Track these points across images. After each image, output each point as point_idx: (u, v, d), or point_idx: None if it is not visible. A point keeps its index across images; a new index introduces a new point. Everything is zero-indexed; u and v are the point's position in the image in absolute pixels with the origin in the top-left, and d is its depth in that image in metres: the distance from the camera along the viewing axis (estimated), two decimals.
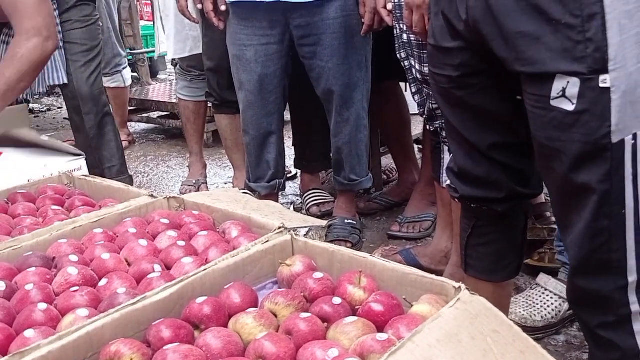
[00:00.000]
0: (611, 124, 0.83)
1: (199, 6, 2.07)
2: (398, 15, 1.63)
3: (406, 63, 1.65)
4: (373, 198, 2.49)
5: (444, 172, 1.56)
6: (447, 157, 1.56)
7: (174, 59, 3.95)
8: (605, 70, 0.82)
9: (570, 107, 0.86)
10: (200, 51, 2.51)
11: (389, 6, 1.68)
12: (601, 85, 0.83)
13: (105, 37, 3.49)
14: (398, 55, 1.67)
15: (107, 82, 3.64)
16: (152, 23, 6.41)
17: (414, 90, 1.67)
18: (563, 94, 0.86)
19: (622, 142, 0.84)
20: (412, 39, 1.57)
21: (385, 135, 2.54)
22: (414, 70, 1.63)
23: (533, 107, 0.92)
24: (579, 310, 0.98)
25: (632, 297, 0.89)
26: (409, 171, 2.47)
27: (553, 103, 0.87)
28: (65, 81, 2.02)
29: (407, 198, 2.33)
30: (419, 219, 2.21)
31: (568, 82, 0.85)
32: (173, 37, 2.62)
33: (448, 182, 1.20)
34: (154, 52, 6.11)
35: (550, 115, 0.88)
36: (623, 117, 0.83)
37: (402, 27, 1.62)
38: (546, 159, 0.94)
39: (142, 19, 6.32)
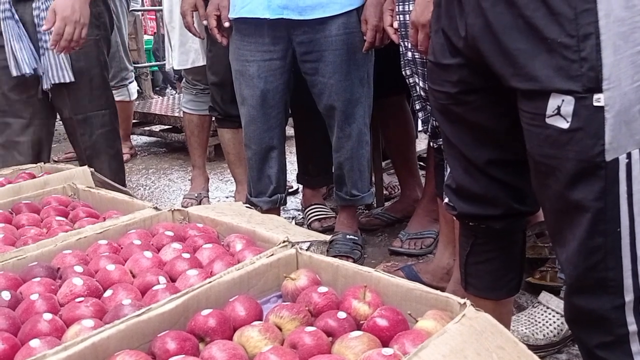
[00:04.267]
0: (605, 142, 0.84)
1: (205, 22, 2.09)
2: (403, 33, 1.65)
3: (411, 80, 1.67)
4: (375, 214, 2.49)
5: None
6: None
7: (176, 74, 3.97)
8: (599, 90, 0.83)
9: (564, 125, 0.87)
10: (202, 63, 2.53)
11: (395, 24, 1.70)
12: (595, 104, 0.84)
13: (113, 50, 3.53)
14: (403, 73, 1.68)
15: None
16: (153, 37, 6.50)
17: (417, 107, 1.68)
18: (558, 112, 0.87)
19: (616, 160, 0.85)
20: (416, 56, 1.59)
21: (389, 150, 2.54)
22: (417, 88, 1.64)
23: (529, 124, 0.93)
24: (577, 329, 0.97)
25: (630, 317, 0.89)
26: (412, 188, 2.47)
27: (548, 121, 0.88)
28: (73, 79, 1.96)
29: (409, 214, 2.33)
30: (421, 235, 2.21)
31: (563, 100, 0.86)
32: (177, 48, 2.65)
33: (446, 199, 1.21)
34: (156, 66, 6.16)
35: (546, 132, 0.89)
36: (617, 136, 0.84)
37: (407, 45, 1.63)
38: (541, 176, 0.94)
39: (145, 33, 6.38)
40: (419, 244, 2.20)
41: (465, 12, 0.98)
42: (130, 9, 4.61)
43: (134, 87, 3.73)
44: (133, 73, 3.76)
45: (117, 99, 3.66)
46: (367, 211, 2.56)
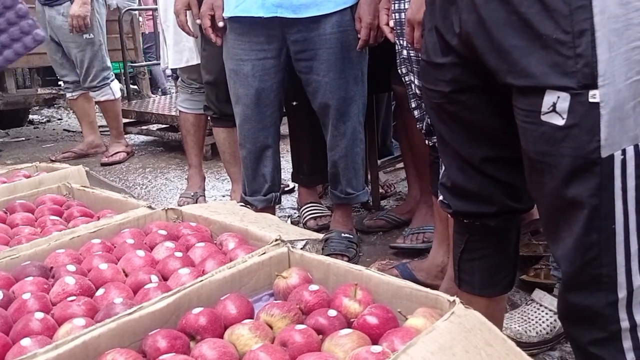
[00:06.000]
0: (600, 138, 0.84)
1: (198, 21, 2.09)
2: (398, 31, 1.65)
3: (406, 78, 1.67)
4: (380, 215, 2.46)
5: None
6: None
7: (173, 73, 3.97)
8: (595, 86, 0.83)
9: (560, 122, 0.87)
10: (197, 62, 2.53)
11: (391, 23, 1.70)
12: (590, 100, 0.84)
13: (95, 48, 3.54)
14: (399, 71, 1.69)
15: (97, 96, 3.67)
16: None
17: (413, 105, 1.69)
18: (553, 109, 0.87)
19: (612, 157, 0.85)
20: (411, 54, 1.59)
21: (403, 150, 2.48)
22: (413, 86, 1.65)
23: (524, 121, 0.93)
24: (570, 326, 0.97)
25: (622, 314, 0.89)
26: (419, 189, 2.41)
27: (543, 118, 0.88)
28: None
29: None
30: (423, 229, 2.19)
31: (558, 96, 0.86)
32: (172, 47, 2.65)
33: (441, 197, 1.21)
34: (153, 65, 6.16)
35: (541, 129, 0.89)
36: (612, 132, 0.84)
37: (402, 43, 1.64)
38: (537, 174, 0.94)
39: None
40: (420, 237, 2.17)
41: (459, 8, 0.98)
42: (127, 8, 4.62)
43: (116, 85, 3.73)
44: (113, 73, 3.76)
45: (102, 99, 3.69)
46: (364, 210, 2.54)
